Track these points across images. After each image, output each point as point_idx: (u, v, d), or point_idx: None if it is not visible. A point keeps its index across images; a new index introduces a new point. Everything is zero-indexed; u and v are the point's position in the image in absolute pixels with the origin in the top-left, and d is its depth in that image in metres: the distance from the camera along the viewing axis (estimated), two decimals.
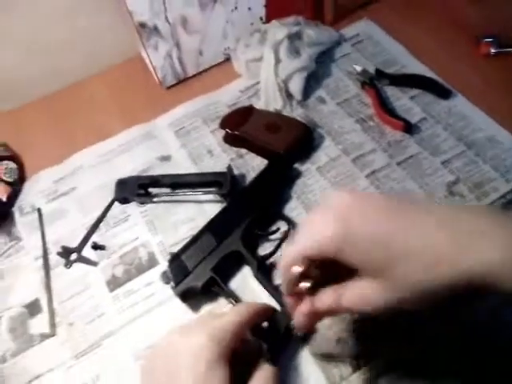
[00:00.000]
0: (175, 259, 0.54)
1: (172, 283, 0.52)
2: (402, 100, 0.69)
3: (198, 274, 0.52)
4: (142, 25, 0.69)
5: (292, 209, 0.60)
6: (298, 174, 0.63)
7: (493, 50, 0.72)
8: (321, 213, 0.38)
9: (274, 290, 0.52)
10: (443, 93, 0.68)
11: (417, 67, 0.72)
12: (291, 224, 0.58)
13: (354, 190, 0.42)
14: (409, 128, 0.64)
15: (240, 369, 0.40)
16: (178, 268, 0.53)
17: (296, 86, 0.69)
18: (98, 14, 0.76)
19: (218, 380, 0.37)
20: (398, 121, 0.65)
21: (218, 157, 0.67)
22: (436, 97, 0.68)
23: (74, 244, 0.61)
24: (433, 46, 0.74)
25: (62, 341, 0.54)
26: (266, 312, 0.47)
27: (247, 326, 0.43)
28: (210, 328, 0.40)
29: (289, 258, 0.39)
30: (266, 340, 0.45)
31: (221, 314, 0.43)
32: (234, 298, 0.52)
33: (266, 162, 0.65)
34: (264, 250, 0.57)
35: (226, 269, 0.55)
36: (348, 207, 0.36)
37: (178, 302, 0.54)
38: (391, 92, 0.70)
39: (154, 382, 0.40)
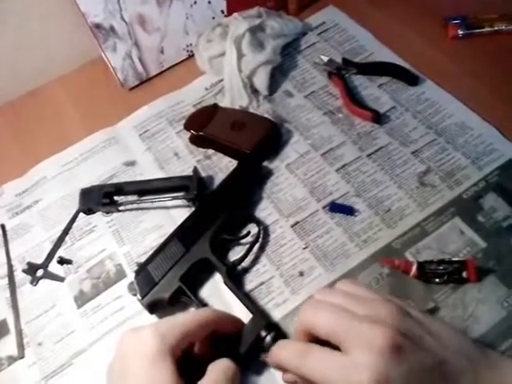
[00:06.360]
0: (142, 270, 0.53)
1: (138, 295, 0.51)
2: (370, 89, 0.67)
3: (165, 285, 0.51)
4: (98, 26, 0.66)
5: (262, 209, 0.59)
6: (267, 173, 0.61)
7: (461, 32, 0.70)
8: (359, 356, 0.34)
9: (244, 297, 0.50)
10: (411, 79, 0.66)
11: (385, 54, 0.70)
12: (261, 225, 0.56)
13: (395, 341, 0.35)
14: (378, 118, 0.63)
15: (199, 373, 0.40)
16: (145, 279, 0.52)
17: (261, 80, 0.67)
18: (52, 17, 0.73)
19: (162, 376, 0.37)
20: (367, 111, 0.63)
21: (185, 159, 0.65)
22: (404, 84, 0.66)
23: (39, 259, 0.59)
24: (400, 30, 0.72)
25: (31, 362, 0.52)
26: (233, 323, 0.46)
27: (202, 328, 0.42)
28: (157, 324, 0.41)
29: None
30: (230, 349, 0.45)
31: (178, 315, 0.43)
32: (204, 307, 0.51)
33: (234, 162, 0.63)
34: (235, 254, 0.55)
35: (196, 276, 0.53)
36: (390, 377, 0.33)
37: (148, 314, 0.52)
38: (359, 81, 0.68)
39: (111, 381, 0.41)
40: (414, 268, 0.50)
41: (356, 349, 0.35)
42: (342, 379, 0.34)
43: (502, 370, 0.36)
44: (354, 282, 0.42)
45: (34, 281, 0.58)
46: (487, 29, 0.69)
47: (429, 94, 0.65)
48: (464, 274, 0.48)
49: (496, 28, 0.69)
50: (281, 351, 0.41)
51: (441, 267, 0.49)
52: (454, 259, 0.50)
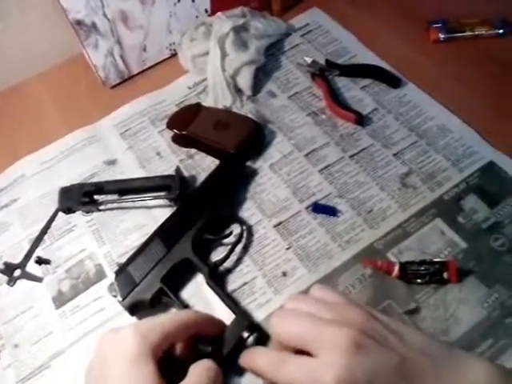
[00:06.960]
0: (122, 270, 0.52)
1: (119, 297, 0.50)
2: (353, 91, 0.67)
3: (146, 286, 0.50)
4: (79, 22, 0.65)
5: (245, 209, 0.58)
6: (250, 173, 0.61)
7: (442, 36, 0.71)
8: (326, 354, 0.35)
9: (226, 298, 0.50)
10: (393, 81, 0.66)
11: (367, 56, 0.71)
12: (244, 226, 0.56)
13: (361, 341, 0.35)
14: (361, 120, 0.63)
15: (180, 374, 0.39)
16: (125, 280, 0.51)
17: (245, 80, 0.67)
18: (33, 12, 0.71)
19: (143, 377, 0.37)
20: (350, 113, 0.63)
21: (167, 158, 0.64)
22: (387, 86, 0.67)
23: (17, 259, 0.58)
24: (383, 33, 0.73)
25: (6, 365, 0.51)
26: (215, 324, 0.45)
27: (183, 330, 0.42)
28: (137, 324, 0.40)
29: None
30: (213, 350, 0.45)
31: (159, 315, 0.43)
32: (185, 308, 0.50)
33: (217, 161, 0.62)
34: (218, 254, 0.55)
35: (178, 277, 0.53)
36: (355, 373, 0.34)
37: (129, 315, 0.51)
38: (342, 83, 0.68)
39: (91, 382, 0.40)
40: (396, 269, 0.50)
41: (323, 351, 0.35)
42: (311, 381, 0.35)
43: (464, 366, 0.36)
44: (328, 288, 0.42)
45: (11, 281, 0.56)
46: (468, 33, 0.70)
47: (410, 97, 0.65)
48: (445, 275, 0.49)
49: (477, 32, 0.70)
50: (256, 358, 0.40)
51: (422, 268, 0.49)
52: (435, 260, 0.50)
